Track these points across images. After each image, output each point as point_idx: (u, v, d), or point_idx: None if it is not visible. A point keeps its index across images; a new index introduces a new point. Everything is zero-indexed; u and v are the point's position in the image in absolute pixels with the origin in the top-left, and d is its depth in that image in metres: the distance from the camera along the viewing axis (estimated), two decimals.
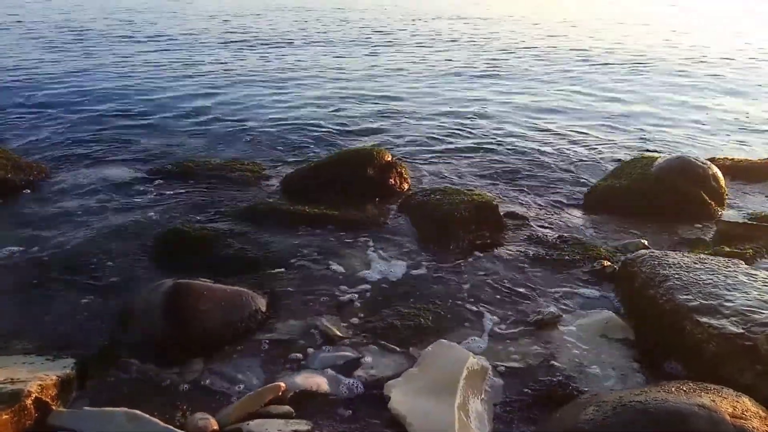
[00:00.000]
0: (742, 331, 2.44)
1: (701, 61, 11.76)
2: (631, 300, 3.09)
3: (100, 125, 6.33)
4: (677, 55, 12.49)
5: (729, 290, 2.75)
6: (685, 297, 2.73)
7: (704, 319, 2.55)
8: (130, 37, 13.19)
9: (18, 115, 6.66)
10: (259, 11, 19.77)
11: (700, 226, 4.18)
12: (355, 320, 2.96)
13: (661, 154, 5.13)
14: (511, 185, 4.90)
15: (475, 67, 10.60)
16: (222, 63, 10.28)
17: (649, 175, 4.54)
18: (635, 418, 1.97)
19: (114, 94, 7.75)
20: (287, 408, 2.31)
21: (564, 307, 3.12)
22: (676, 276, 2.92)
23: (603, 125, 6.84)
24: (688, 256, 3.19)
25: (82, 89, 8.02)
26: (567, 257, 3.65)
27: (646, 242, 3.85)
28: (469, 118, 7.07)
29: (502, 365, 2.63)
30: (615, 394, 2.19)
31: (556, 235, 3.97)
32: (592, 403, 2.13)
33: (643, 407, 2.00)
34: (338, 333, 2.82)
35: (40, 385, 2.24)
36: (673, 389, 2.13)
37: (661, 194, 4.38)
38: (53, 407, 2.23)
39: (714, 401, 2.00)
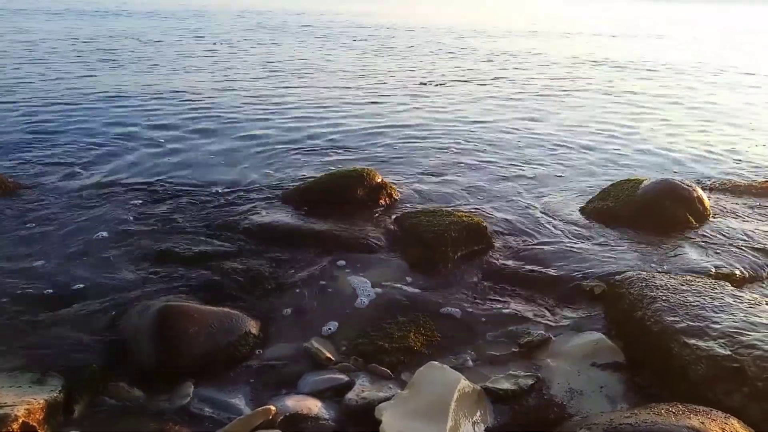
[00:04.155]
0: (729, 353, 2.47)
1: (695, 83, 12.03)
2: (619, 322, 3.11)
3: (80, 140, 6.30)
4: (674, 75, 12.76)
5: (716, 312, 2.79)
6: (672, 319, 2.76)
7: (692, 341, 2.58)
8: (114, 53, 13.23)
9: None
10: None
11: (686, 247, 4.24)
12: (346, 343, 2.96)
13: (647, 177, 5.21)
14: (501, 206, 4.94)
15: (467, 81, 10.74)
16: (202, 81, 10.32)
17: (636, 197, 4.62)
18: None
19: (98, 111, 7.71)
20: None
21: (554, 328, 3.14)
22: (664, 298, 2.96)
23: (593, 146, 6.94)
24: (674, 278, 3.23)
25: (62, 104, 8.00)
26: (556, 278, 3.67)
27: (632, 264, 3.88)
28: (458, 135, 7.14)
29: (493, 387, 2.63)
30: (605, 417, 2.20)
31: (546, 256, 4.00)
32: (583, 426, 2.15)
33: (632, 430, 2.01)
34: (329, 356, 2.82)
35: (27, 409, 2.21)
36: (662, 411, 2.15)
37: (648, 216, 4.45)
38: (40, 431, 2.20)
39: (703, 423, 2.02)
